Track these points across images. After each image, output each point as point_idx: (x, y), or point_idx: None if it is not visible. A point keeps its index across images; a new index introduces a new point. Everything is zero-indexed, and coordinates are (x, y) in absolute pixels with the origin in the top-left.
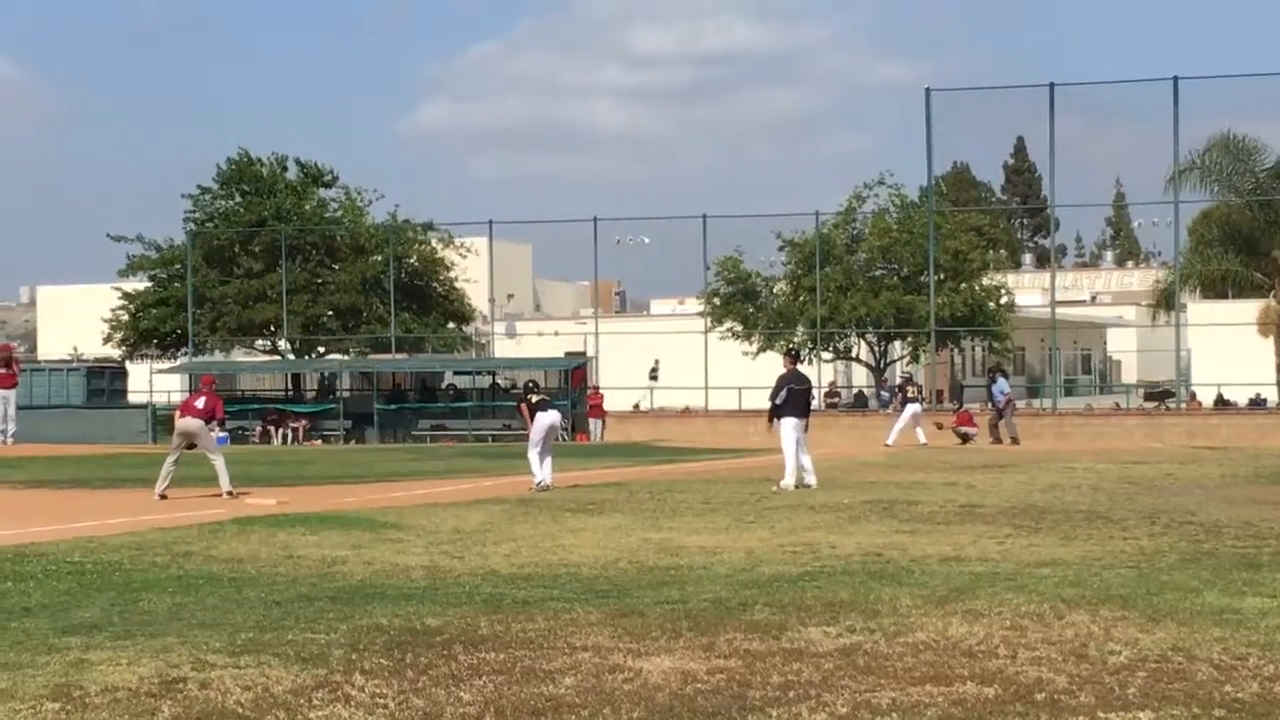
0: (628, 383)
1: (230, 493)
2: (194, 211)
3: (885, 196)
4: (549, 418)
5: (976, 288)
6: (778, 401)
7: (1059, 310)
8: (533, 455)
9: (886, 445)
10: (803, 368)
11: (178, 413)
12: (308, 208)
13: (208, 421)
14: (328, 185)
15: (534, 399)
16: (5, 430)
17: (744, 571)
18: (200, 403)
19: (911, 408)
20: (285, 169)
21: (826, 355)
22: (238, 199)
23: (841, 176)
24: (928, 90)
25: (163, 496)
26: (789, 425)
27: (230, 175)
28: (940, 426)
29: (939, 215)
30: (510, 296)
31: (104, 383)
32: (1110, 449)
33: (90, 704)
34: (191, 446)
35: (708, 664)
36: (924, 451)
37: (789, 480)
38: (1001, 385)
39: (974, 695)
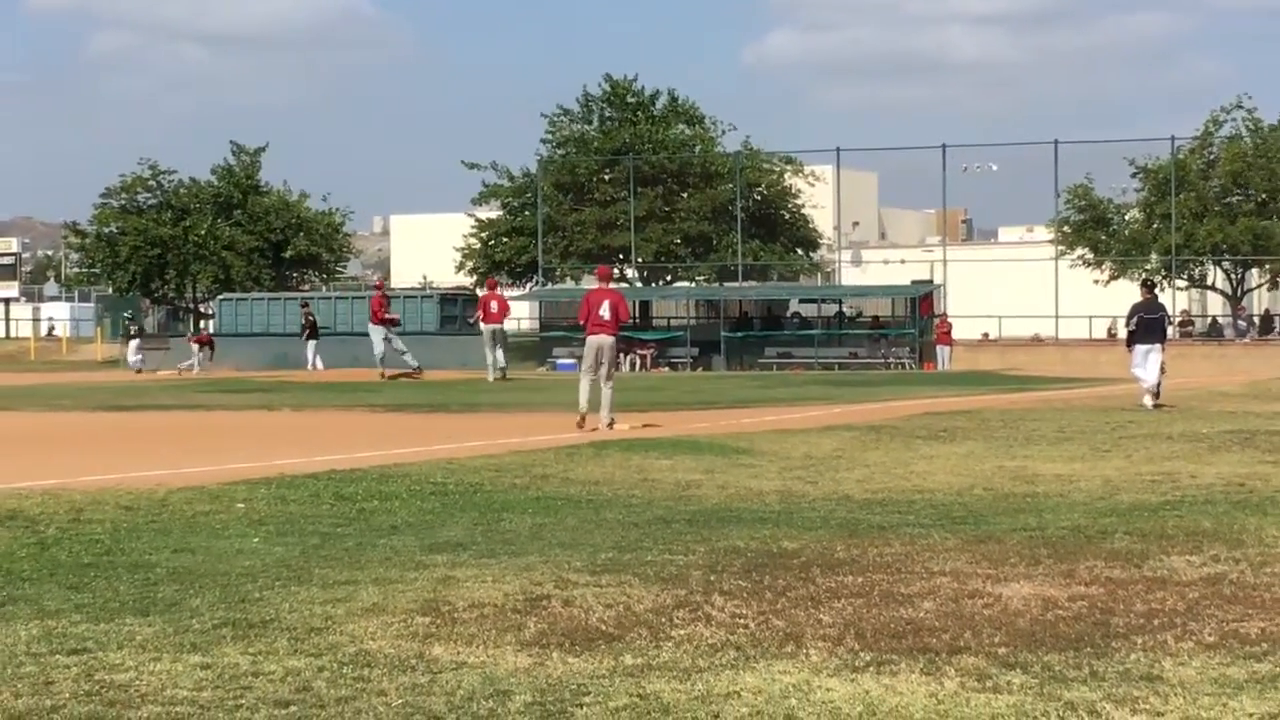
0: (975, 311)
1: (613, 422)
2: (552, 132)
3: (1241, 121)
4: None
5: None
6: (1130, 328)
7: None
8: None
9: None
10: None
11: (588, 329)
12: (661, 136)
13: (615, 333)
14: (690, 124)
15: None
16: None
17: (1101, 500)
18: (605, 310)
19: None
20: (655, 100)
21: (1180, 283)
22: (595, 124)
23: (1200, 102)
24: None
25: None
26: (1139, 351)
27: (601, 98)
28: None
29: None
30: (855, 224)
31: (456, 310)
32: None
33: (458, 619)
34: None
35: (1068, 591)
36: None
37: (1148, 400)
38: None
39: None
